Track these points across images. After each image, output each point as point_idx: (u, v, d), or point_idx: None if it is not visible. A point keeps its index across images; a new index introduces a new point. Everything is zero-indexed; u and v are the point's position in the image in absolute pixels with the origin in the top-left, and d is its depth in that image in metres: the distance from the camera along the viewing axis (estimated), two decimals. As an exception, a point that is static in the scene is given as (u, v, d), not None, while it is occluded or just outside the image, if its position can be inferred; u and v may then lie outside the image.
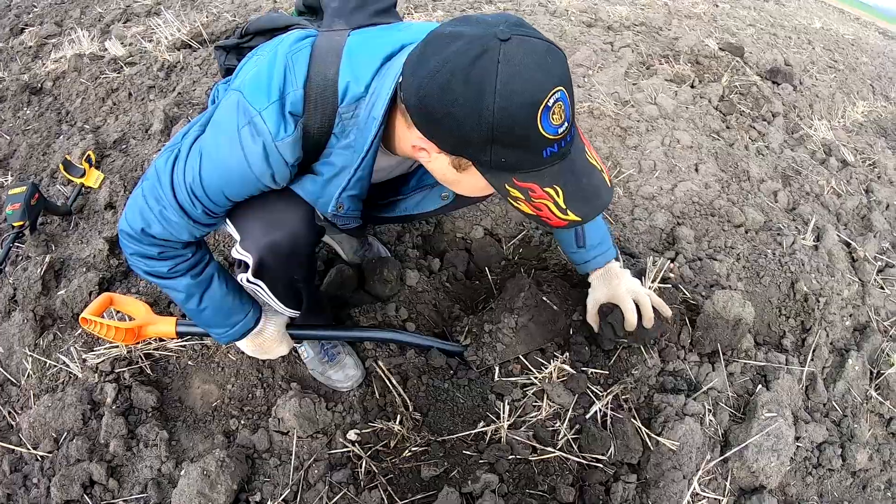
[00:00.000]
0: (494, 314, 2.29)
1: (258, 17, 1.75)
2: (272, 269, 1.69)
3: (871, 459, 2.33)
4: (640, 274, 2.45)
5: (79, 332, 2.36)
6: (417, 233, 2.84)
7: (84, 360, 2.22)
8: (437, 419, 2.08)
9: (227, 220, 1.66)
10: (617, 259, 2.15)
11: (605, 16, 5.96)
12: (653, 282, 2.41)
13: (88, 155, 3.22)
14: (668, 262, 2.66)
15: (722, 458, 2.02)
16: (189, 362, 2.27)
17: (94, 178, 3.08)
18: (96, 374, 2.18)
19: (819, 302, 2.71)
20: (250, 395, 2.20)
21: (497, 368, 2.19)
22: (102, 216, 2.98)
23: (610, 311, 2.13)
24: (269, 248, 1.62)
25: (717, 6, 7.70)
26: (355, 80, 1.37)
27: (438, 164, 1.34)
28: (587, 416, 2.05)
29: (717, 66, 5.01)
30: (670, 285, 2.46)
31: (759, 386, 2.26)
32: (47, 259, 2.60)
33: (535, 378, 2.15)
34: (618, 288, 2.09)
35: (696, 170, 3.52)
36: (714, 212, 3.13)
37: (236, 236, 1.66)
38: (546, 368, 2.15)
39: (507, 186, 1.25)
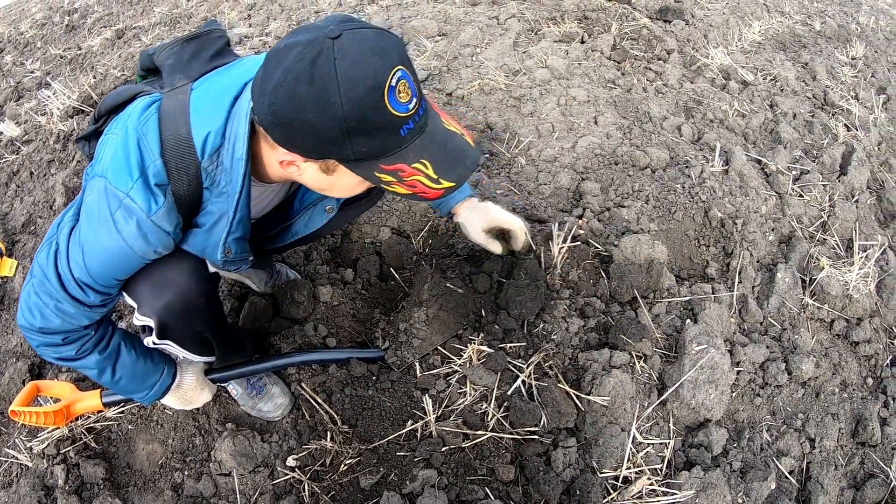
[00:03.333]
0: (406, 311, 2.27)
1: (105, 96, 1.74)
2: (174, 327, 1.71)
3: (818, 366, 2.34)
4: (547, 238, 2.42)
5: (20, 423, 2.31)
6: (325, 248, 2.79)
7: (31, 449, 2.22)
8: (367, 427, 2.06)
9: (122, 291, 1.66)
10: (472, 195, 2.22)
11: (489, -9, 5.99)
12: (563, 242, 2.38)
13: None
14: (576, 219, 2.65)
15: (659, 401, 2.00)
16: (129, 426, 2.27)
17: (7, 266, 2.98)
18: (44, 460, 2.19)
19: (736, 224, 2.73)
20: (191, 445, 2.21)
21: (417, 364, 2.15)
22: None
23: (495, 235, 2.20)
24: (164, 310, 1.64)
25: (599, -40, 7.80)
26: (209, 131, 1.41)
27: (309, 173, 1.39)
28: (511, 392, 2.01)
29: (606, 18, 5.05)
30: (580, 242, 2.44)
31: (687, 321, 2.25)
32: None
33: (456, 365, 2.11)
34: (495, 212, 2.15)
35: (596, 122, 3.53)
36: (617, 160, 3.13)
37: (132, 304, 1.68)
38: (464, 353, 2.11)
39: (376, 174, 1.30)
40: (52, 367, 2.55)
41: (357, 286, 2.60)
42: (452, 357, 2.15)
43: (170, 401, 2.01)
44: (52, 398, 2.23)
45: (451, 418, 2.00)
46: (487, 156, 3.28)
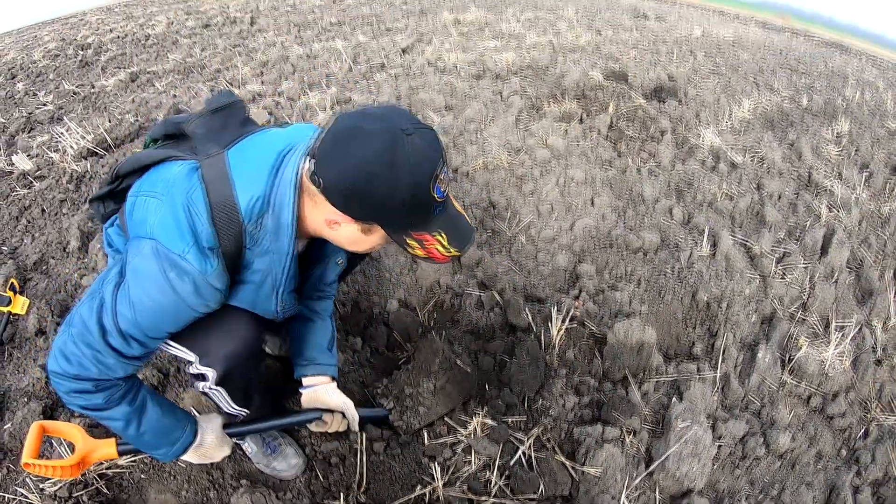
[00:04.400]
0: (412, 377, 2.51)
1: (121, 161, 1.93)
2: (234, 375, 1.90)
3: (794, 439, 2.59)
4: (546, 320, 2.70)
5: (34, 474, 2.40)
6: (336, 315, 3.04)
7: (42, 490, 2.30)
8: (379, 490, 2.27)
9: (174, 344, 1.82)
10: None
11: (493, 65, 6.39)
12: (561, 323, 2.66)
13: (12, 283, 3.24)
14: (573, 301, 2.93)
15: (646, 472, 2.25)
16: (142, 476, 2.38)
17: (20, 304, 3.09)
18: (55, 502, 2.27)
19: (721, 306, 3.01)
20: (205, 499, 2.34)
21: (425, 433, 2.40)
22: (35, 343, 3.03)
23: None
24: (231, 359, 1.83)
25: (599, 34, 8.27)
26: (254, 196, 1.61)
27: (347, 231, 1.65)
28: (513, 462, 2.26)
29: (604, 96, 5.43)
30: (576, 323, 2.72)
31: (673, 398, 2.51)
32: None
33: (462, 435, 2.36)
34: (326, 398, 2.26)
35: (592, 203, 3.85)
36: (612, 242, 3.44)
37: (190, 357, 1.83)
38: (469, 425, 2.36)
39: (405, 239, 1.61)
40: (64, 409, 2.62)
41: (365, 354, 2.85)
42: (458, 428, 2.40)
43: (189, 457, 2.06)
44: (63, 440, 2.26)
45: (457, 484, 2.24)
46: (490, 233, 3.58)
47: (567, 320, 2.69)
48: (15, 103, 6.26)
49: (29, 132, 5.48)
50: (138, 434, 1.83)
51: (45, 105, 6.05)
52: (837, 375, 2.87)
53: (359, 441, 2.37)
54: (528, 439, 2.31)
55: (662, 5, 11.04)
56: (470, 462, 2.29)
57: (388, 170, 1.44)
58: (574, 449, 2.31)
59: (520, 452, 2.27)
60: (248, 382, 2.04)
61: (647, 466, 2.29)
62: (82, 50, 8.12)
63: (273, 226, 1.64)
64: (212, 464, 2.38)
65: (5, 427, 2.57)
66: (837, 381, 2.86)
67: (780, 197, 4.19)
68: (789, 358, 2.93)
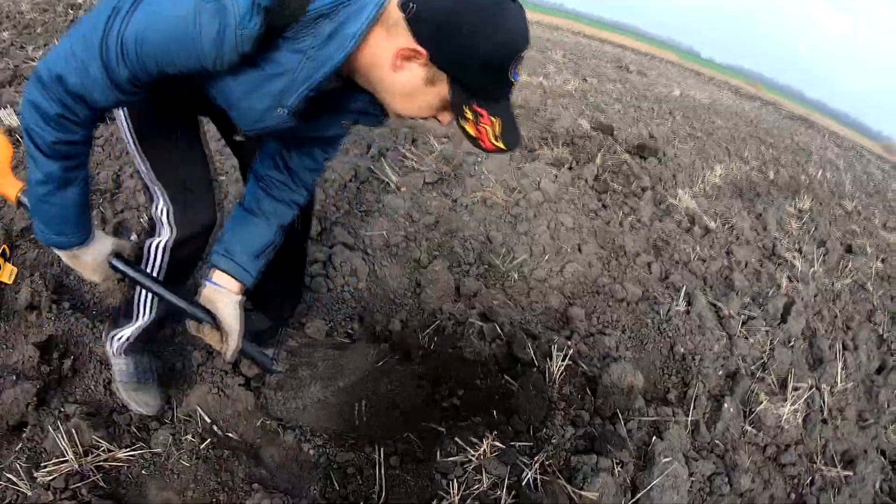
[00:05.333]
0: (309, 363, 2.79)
1: None
2: (185, 253, 2.06)
3: (753, 481, 2.97)
4: (545, 356, 3.04)
5: (20, 446, 2.32)
6: (343, 330, 3.27)
7: (34, 478, 2.20)
8: (397, 502, 2.51)
9: (150, 173, 1.94)
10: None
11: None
12: (562, 361, 2.99)
13: (3, 249, 3.04)
14: (566, 340, 3.29)
15: (633, 500, 2.60)
16: (142, 471, 2.38)
17: (8, 273, 2.74)
18: (49, 492, 2.17)
19: (695, 360, 3.40)
20: (213, 501, 2.37)
21: (438, 451, 2.68)
22: (25, 318, 2.81)
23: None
24: (202, 232, 2.04)
25: (585, 81, 8.76)
26: None
27: (409, 75, 1.53)
28: (522, 484, 2.57)
29: (591, 146, 5.85)
30: (571, 362, 3.06)
31: (654, 437, 2.87)
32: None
33: (472, 455, 2.66)
34: (222, 310, 2.02)
35: (580, 250, 4.22)
36: (599, 289, 3.82)
37: (160, 200, 1.98)
38: (480, 447, 2.66)
39: (465, 107, 1.52)
40: (58, 392, 2.52)
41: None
42: (468, 448, 2.69)
43: (61, 254, 1.91)
44: None
45: (469, 501, 2.53)
46: (486, 267, 3.91)
47: (565, 358, 3.03)
48: (0, 53, 5.98)
49: (16, 87, 5.22)
50: (42, 198, 1.69)
51: (32, 60, 5.83)
52: (791, 429, 3.28)
53: (377, 454, 2.63)
54: (534, 464, 2.62)
55: (644, 59, 11.65)
56: (481, 481, 2.58)
57: (489, 17, 1.41)
58: (572, 475, 2.64)
59: (528, 475, 2.58)
60: (188, 266, 2.15)
61: (634, 495, 2.64)
62: (72, 9, 8.02)
63: (328, 32, 1.48)
64: (221, 466, 2.41)
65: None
66: (790, 434, 3.27)
67: (746, 264, 4.65)
68: (750, 410, 3.33)
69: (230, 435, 2.57)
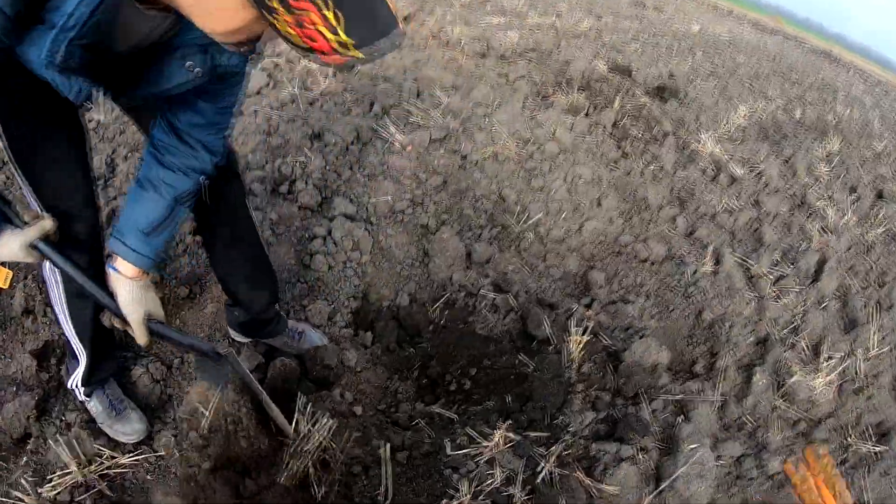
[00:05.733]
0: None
1: None
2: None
3: (783, 463, 2.75)
4: (563, 331, 2.80)
5: (24, 460, 2.33)
6: (347, 310, 3.08)
7: (39, 494, 2.20)
8: (406, 502, 2.33)
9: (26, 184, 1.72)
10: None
11: (497, 44, 6.36)
12: (582, 336, 2.75)
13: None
14: (585, 310, 3.03)
15: (657, 490, 2.38)
16: (147, 476, 2.33)
17: (3, 277, 2.51)
18: None
19: (723, 327, 3.15)
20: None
21: (447, 444, 2.47)
22: (22, 325, 2.79)
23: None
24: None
25: (600, 20, 8.30)
26: None
27: None
28: (536, 480, 2.36)
29: (608, 90, 5.50)
30: (591, 335, 2.82)
31: (680, 418, 2.64)
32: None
33: (484, 448, 2.45)
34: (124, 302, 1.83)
35: (600, 204, 3.94)
36: (620, 249, 3.55)
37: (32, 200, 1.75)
38: (492, 437, 2.45)
39: (273, 4, 1.05)
40: (58, 399, 2.47)
41: (376, 351, 2.91)
42: (481, 440, 2.48)
43: None
44: None
45: (481, 498, 2.33)
46: (499, 229, 3.64)
47: (585, 332, 2.78)
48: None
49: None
50: None
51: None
52: (824, 403, 3.04)
53: (383, 450, 2.43)
54: (550, 455, 2.40)
55: (660, -8, 11.10)
56: (493, 475, 2.38)
57: None
58: (591, 466, 2.43)
59: (544, 469, 2.37)
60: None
61: (657, 484, 2.43)
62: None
63: None
64: (234, 469, 2.32)
65: (-7, 422, 2.43)
66: (823, 408, 3.04)
67: (776, 216, 4.35)
68: (781, 382, 3.09)
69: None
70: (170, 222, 1.86)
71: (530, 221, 3.73)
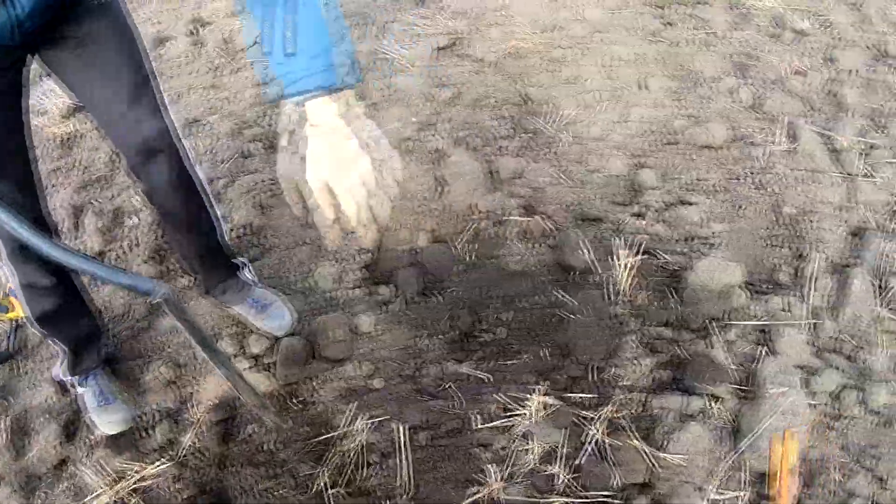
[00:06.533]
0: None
1: None
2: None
3: (893, 394, 2.18)
4: (608, 254, 2.24)
5: (65, 486, 2.22)
6: (357, 266, 2.59)
7: None
8: (429, 495, 1.93)
9: None
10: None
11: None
12: (632, 257, 2.19)
13: (8, 286, 2.84)
14: (637, 220, 2.46)
15: (736, 453, 1.87)
16: (175, 484, 2.15)
17: (20, 308, 2.74)
18: None
19: (810, 221, 2.53)
20: None
21: (476, 416, 1.99)
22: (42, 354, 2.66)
23: None
24: None
25: None
26: None
27: None
28: (582, 453, 1.87)
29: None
30: (646, 255, 2.25)
31: (763, 349, 2.09)
32: (8, 421, 2.40)
33: (518, 417, 1.96)
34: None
35: (645, 86, 3.29)
36: (674, 137, 2.92)
37: None
38: (528, 404, 1.95)
39: None
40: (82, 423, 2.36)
41: (397, 308, 2.43)
42: (515, 406, 1.99)
43: None
44: None
45: (517, 480, 1.86)
46: (529, 135, 3.04)
47: (637, 252, 2.21)
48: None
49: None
50: None
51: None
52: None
53: (398, 434, 1.97)
54: (597, 420, 1.90)
55: None
56: (530, 450, 1.90)
57: None
58: (651, 428, 1.93)
59: (591, 438, 1.87)
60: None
61: (736, 442, 1.92)
62: None
63: None
64: None
65: (31, 454, 2.30)
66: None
67: (855, 72, 3.58)
68: (884, 284, 2.49)
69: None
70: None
71: (564, 120, 3.11)
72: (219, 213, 2.22)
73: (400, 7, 3.91)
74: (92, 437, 2.27)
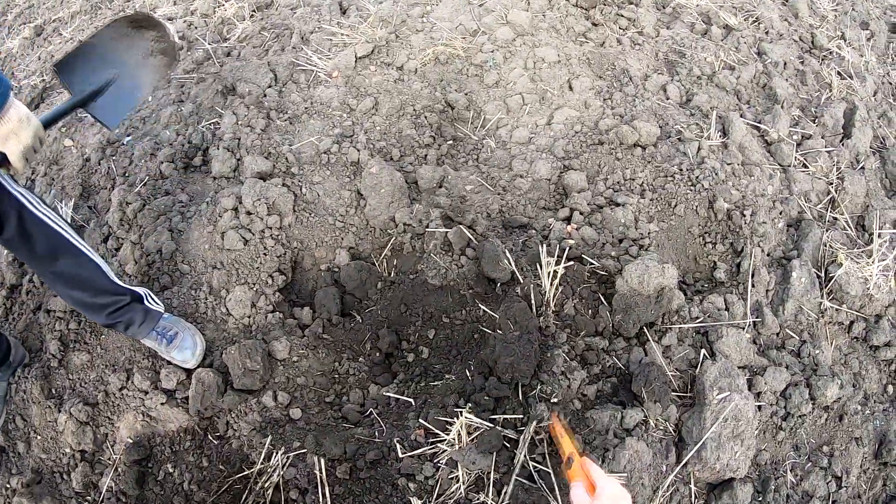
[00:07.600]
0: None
1: None
2: None
3: (842, 387, 2.05)
4: (533, 262, 2.06)
5: None
6: (272, 290, 2.36)
7: None
8: None
9: None
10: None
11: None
12: (555, 265, 2.02)
13: None
14: (563, 225, 2.28)
15: (679, 465, 1.70)
16: None
17: None
18: None
19: (745, 215, 2.40)
20: None
21: (398, 445, 1.78)
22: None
23: None
24: None
25: None
26: None
27: None
28: (512, 478, 1.68)
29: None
30: (573, 261, 2.08)
31: (702, 353, 1.93)
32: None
33: (443, 444, 1.76)
34: None
35: (571, 87, 3.13)
36: (602, 138, 2.76)
37: None
38: (451, 429, 1.74)
39: None
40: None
41: (317, 330, 2.22)
42: (438, 432, 1.78)
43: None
44: None
45: (445, 511, 1.66)
46: (451, 142, 2.86)
47: (562, 259, 2.03)
48: None
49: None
50: None
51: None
52: (881, 295, 2.34)
53: (317, 468, 1.75)
54: (524, 442, 1.71)
55: None
56: (458, 479, 1.70)
57: None
58: (587, 443, 1.73)
59: (518, 460, 1.68)
60: None
61: (678, 452, 1.74)
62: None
63: None
64: None
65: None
66: (881, 300, 2.35)
67: (785, 65, 3.50)
68: (826, 276, 2.36)
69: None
70: None
71: (488, 125, 2.94)
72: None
73: (320, 17, 3.71)
74: (10, 484, 2.14)
